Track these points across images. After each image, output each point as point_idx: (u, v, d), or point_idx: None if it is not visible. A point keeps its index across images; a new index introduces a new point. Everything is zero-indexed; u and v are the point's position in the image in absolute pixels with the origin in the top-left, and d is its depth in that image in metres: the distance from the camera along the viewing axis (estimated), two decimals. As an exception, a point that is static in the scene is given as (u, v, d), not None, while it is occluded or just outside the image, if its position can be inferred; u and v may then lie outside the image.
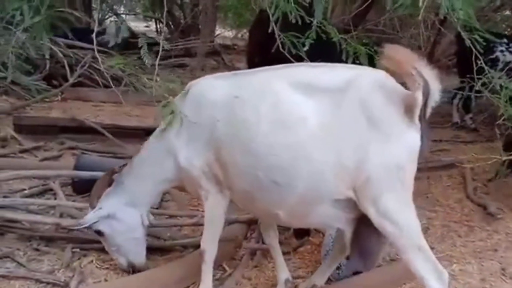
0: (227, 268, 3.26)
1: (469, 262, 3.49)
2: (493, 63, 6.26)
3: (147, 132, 2.94)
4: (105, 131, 5.42)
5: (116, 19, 11.83)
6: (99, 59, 3.21)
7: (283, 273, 3.01)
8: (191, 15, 12.27)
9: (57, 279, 3.00)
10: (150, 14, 14.28)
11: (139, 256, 3.05)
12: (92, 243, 3.31)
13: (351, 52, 3.65)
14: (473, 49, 3.33)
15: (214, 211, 2.75)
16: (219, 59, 10.99)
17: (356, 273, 3.10)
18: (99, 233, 3.01)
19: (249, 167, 2.49)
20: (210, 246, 2.78)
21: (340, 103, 2.37)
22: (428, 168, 5.04)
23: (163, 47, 2.92)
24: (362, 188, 2.35)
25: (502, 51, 6.55)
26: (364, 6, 6.32)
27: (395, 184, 2.33)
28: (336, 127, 2.36)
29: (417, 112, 2.30)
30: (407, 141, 2.34)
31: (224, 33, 14.56)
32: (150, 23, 14.61)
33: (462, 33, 3.35)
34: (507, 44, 6.66)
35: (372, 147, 2.32)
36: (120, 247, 3.02)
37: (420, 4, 2.81)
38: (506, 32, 9.86)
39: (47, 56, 6.41)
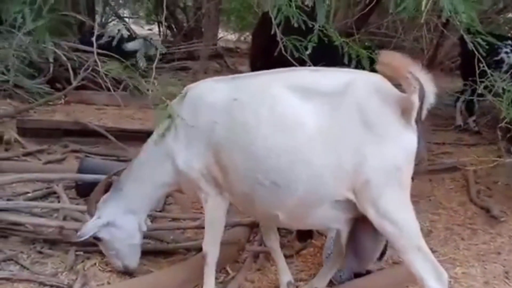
0: (230, 271, 3.26)
1: (472, 265, 3.48)
2: (498, 64, 6.29)
3: (149, 135, 2.95)
4: (109, 134, 5.41)
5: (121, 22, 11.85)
6: (99, 63, 3.22)
7: (285, 275, 3.00)
8: (194, 18, 12.28)
9: (61, 282, 3.01)
10: (153, 17, 14.29)
11: (133, 260, 3.07)
12: (96, 246, 3.30)
13: (354, 56, 3.66)
14: (476, 52, 3.33)
15: (214, 213, 2.76)
16: (222, 62, 10.98)
17: (357, 275, 3.10)
18: (97, 238, 3.03)
19: (249, 170, 2.50)
20: (211, 248, 2.79)
21: (338, 107, 2.40)
22: (431, 171, 5.04)
23: (161, 50, 2.92)
24: (362, 190, 2.37)
25: (506, 52, 6.55)
26: (366, 9, 6.32)
27: (393, 185, 2.36)
28: (334, 130, 2.38)
29: (414, 114, 2.33)
30: (404, 143, 2.37)
31: (227, 36, 14.56)
32: (153, 26, 14.63)
33: (465, 36, 3.35)
34: (512, 46, 6.67)
35: (370, 149, 2.34)
36: (119, 251, 3.04)
37: (423, 7, 2.80)
38: (509, 34, 9.87)
39: (50, 60, 6.44)
